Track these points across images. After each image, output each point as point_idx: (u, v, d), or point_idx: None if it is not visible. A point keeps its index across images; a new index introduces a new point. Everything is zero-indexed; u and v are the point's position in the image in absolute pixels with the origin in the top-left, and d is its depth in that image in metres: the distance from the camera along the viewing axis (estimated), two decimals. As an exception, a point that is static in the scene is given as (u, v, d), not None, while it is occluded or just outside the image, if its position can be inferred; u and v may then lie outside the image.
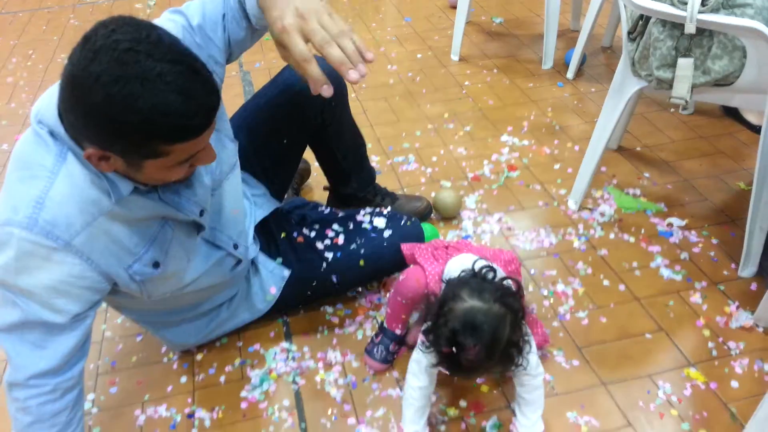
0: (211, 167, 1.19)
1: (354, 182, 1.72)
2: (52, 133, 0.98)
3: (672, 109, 2.24)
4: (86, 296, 1.04)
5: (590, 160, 1.76)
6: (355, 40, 0.95)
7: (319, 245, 1.46)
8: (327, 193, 1.82)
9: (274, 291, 1.43)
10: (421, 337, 1.15)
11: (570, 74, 2.52)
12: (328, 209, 1.59)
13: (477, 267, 1.16)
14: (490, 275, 1.14)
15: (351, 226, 1.50)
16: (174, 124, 0.88)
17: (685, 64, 1.41)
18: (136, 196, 1.04)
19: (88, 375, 1.41)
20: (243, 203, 1.39)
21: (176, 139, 0.91)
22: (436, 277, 1.26)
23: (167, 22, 1.09)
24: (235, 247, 1.30)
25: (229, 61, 1.19)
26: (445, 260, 1.29)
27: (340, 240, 1.47)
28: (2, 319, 1.01)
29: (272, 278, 1.43)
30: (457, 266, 1.24)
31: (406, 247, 1.38)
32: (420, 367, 1.18)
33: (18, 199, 0.97)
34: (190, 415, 1.31)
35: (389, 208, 1.61)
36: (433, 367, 1.16)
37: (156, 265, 1.12)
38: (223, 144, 1.24)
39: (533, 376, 1.16)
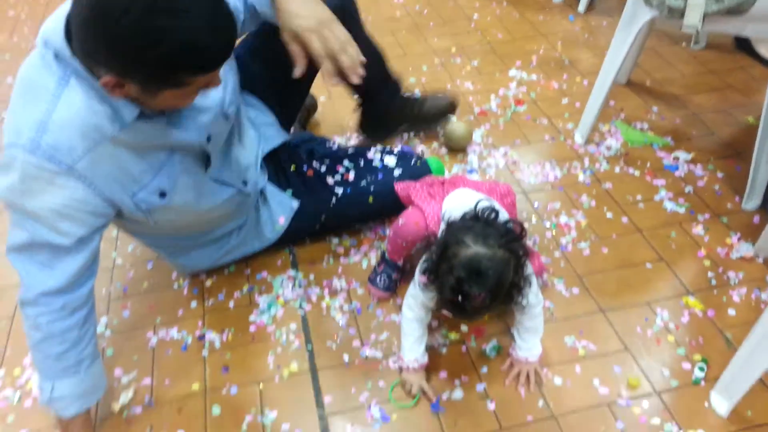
0: (223, 100, 1.19)
1: (383, 95, 1.73)
2: (56, 56, 0.98)
3: (683, 43, 2.20)
4: (90, 221, 1.06)
5: (598, 94, 1.75)
6: (355, 48, 1.21)
7: (330, 180, 1.47)
8: (326, 131, 1.83)
9: (282, 221, 1.45)
10: (419, 277, 1.16)
11: (581, 7, 2.47)
12: (336, 145, 1.60)
13: (480, 209, 1.13)
14: (493, 217, 1.12)
15: (361, 163, 1.51)
16: (201, 57, 0.91)
17: (698, -9, 1.38)
18: (142, 122, 1.05)
19: (100, 300, 1.45)
20: (250, 135, 1.39)
21: (200, 70, 0.94)
22: (435, 217, 1.25)
23: None
24: (244, 183, 1.32)
25: None
26: (442, 197, 1.29)
27: (351, 176, 1.48)
28: (12, 240, 1.04)
29: (281, 209, 1.45)
30: (455, 204, 1.24)
31: (400, 187, 1.38)
32: (416, 301, 1.20)
33: (21, 122, 0.98)
34: (201, 337, 1.36)
35: (400, 147, 1.62)
36: (430, 302, 1.19)
37: (162, 194, 1.14)
38: (225, 81, 1.22)
39: (533, 305, 1.18)
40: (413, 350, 1.21)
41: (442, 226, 1.16)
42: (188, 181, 1.18)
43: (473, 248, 1.03)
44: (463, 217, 1.13)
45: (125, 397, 1.24)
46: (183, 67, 0.91)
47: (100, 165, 1.03)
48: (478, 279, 1.01)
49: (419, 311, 1.20)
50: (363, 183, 1.47)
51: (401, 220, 1.31)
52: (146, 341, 1.36)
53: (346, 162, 1.51)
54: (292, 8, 1.18)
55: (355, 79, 1.20)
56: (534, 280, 1.16)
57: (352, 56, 1.20)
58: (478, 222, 1.09)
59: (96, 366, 1.13)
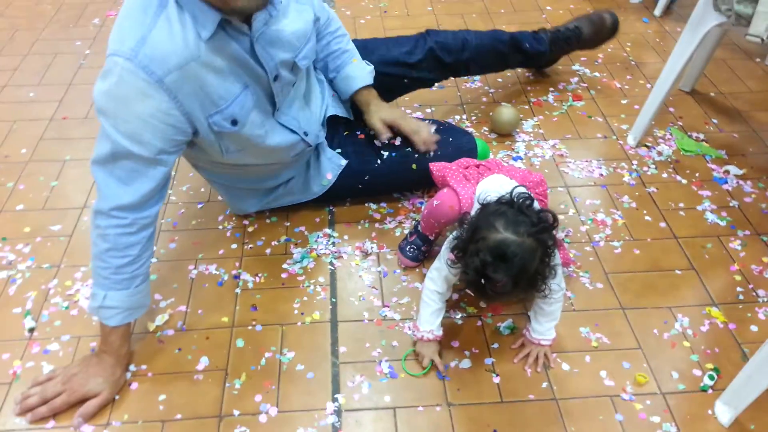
0: (299, 50, 1.31)
1: (528, 60, 1.98)
2: None
3: (758, 59, 2.14)
4: (170, 133, 1.16)
5: (656, 97, 1.73)
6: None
7: (377, 143, 1.54)
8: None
9: (330, 177, 1.53)
10: (447, 254, 1.20)
11: (658, 11, 2.42)
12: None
13: (515, 194, 1.14)
14: (527, 204, 1.12)
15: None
16: None
17: (768, 1, 1.36)
18: (225, 39, 1.15)
19: (152, 230, 1.56)
20: (316, 92, 1.49)
21: None
22: (469, 200, 1.28)
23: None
24: (305, 134, 1.41)
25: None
26: (477, 180, 1.32)
27: (397, 141, 1.54)
28: (97, 152, 1.15)
29: (330, 165, 1.53)
30: (490, 187, 1.26)
31: (435, 168, 1.39)
32: (440, 274, 1.24)
33: (126, 34, 1.09)
34: (236, 276, 1.45)
35: (450, 121, 1.68)
36: (454, 278, 1.23)
37: (234, 122, 1.24)
38: (308, 37, 1.34)
39: (554, 291, 1.20)
40: (429, 322, 1.25)
41: (476, 206, 1.19)
42: (257, 118, 1.29)
43: (502, 234, 1.06)
44: (498, 200, 1.14)
45: (161, 319, 1.35)
46: None
47: (185, 82, 1.13)
48: (502, 265, 1.05)
49: (441, 284, 1.24)
50: (408, 149, 1.53)
51: (436, 201, 1.34)
52: (187, 273, 1.46)
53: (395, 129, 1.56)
54: (379, 109, 1.54)
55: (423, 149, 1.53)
56: (560, 270, 1.19)
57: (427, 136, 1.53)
58: (512, 208, 1.11)
59: (145, 285, 1.23)
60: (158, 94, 1.11)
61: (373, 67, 1.55)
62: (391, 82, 1.62)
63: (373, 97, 1.54)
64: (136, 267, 1.19)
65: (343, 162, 1.53)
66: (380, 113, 1.53)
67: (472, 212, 1.23)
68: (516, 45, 1.89)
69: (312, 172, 1.53)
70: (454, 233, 1.20)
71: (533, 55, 1.94)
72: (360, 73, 1.52)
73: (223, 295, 1.41)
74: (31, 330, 1.33)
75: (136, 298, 1.20)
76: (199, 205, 1.64)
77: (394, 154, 1.53)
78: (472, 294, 1.22)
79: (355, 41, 1.60)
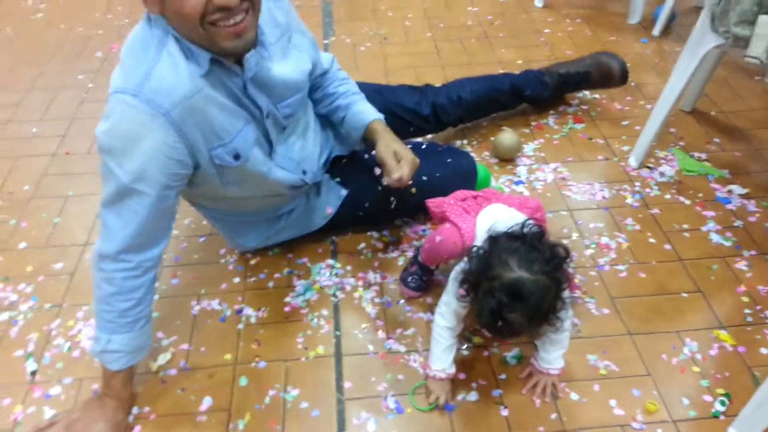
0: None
1: (526, 98, 1.97)
2: (149, 19, 1.12)
3: (757, 77, 2.14)
4: (173, 168, 1.15)
5: (657, 117, 1.73)
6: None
7: (377, 170, 1.52)
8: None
9: (329, 211, 1.52)
10: (456, 288, 1.18)
11: (656, 31, 2.43)
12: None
13: (527, 230, 1.12)
14: (538, 239, 1.11)
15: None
16: None
17: (765, 21, 1.35)
18: (220, 76, 1.16)
19: (154, 266, 1.56)
20: (314, 130, 1.48)
21: None
22: (471, 233, 1.26)
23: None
24: (303, 172, 1.41)
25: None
26: (477, 211, 1.30)
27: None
28: (104, 194, 1.15)
29: (331, 197, 1.52)
30: (492, 217, 1.25)
31: (433, 204, 1.37)
32: (449, 309, 1.22)
33: (129, 72, 1.10)
34: (239, 311, 1.44)
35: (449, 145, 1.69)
36: (463, 311, 1.21)
37: (237, 157, 1.24)
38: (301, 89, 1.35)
39: (563, 319, 1.20)
40: (442, 360, 1.23)
41: (484, 236, 1.17)
42: (260, 155, 1.29)
43: (517, 273, 1.04)
44: (509, 235, 1.12)
45: (163, 358, 1.34)
46: None
47: (190, 115, 1.13)
48: (518, 305, 1.04)
49: (451, 319, 1.22)
50: None
51: (438, 237, 1.31)
52: (189, 309, 1.45)
53: None
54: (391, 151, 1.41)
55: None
56: (569, 308, 1.17)
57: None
58: (524, 243, 1.09)
59: (147, 327, 1.22)
60: (163, 127, 1.11)
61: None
62: (400, 126, 1.59)
63: (385, 127, 1.48)
64: (140, 309, 1.18)
65: (343, 192, 1.52)
66: (393, 145, 1.44)
67: (477, 242, 1.22)
68: (517, 93, 1.92)
69: (312, 203, 1.53)
70: (462, 266, 1.19)
71: (534, 101, 1.98)
72: (371, 108, 1.50)
73: (226, 331, 1.40)
74: (33, 373, 1.32)
75: (139, 340, 1.20)
76: (201, 239, 1.64)
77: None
78: (486, 333, 1.21)
79: (366, 85, 1.60)
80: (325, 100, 1.50)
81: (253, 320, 1.42)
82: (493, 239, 1.13)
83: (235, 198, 1.38)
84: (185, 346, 1.37)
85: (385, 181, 1.36)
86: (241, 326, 1.41)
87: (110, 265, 1.14)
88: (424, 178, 1.48)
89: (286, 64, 1.28)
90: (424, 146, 1.59)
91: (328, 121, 1.54)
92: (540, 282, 1.04)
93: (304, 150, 1.43)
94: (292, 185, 1.41)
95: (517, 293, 1.03)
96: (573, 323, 1.36)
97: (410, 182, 1.37)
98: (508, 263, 1.06)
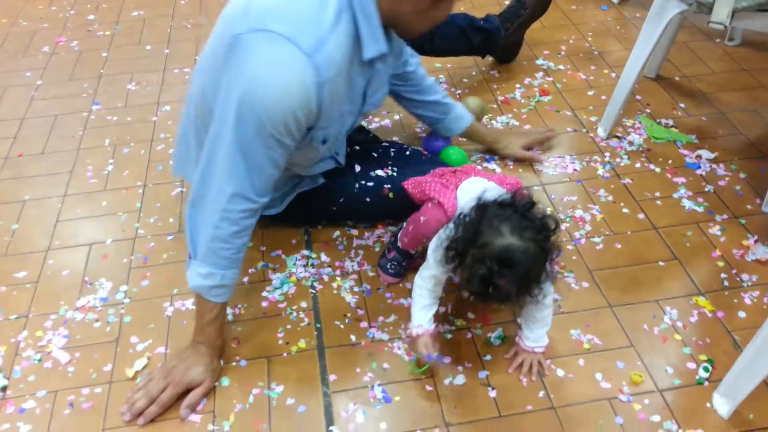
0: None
1: (487, 46, 1.99)
2: None
3: (717, 39, 2.16)
4: (303, 128, 1.16)
5: (623, 87, 1.73)
6: None
7: (357, 167, 1.49)
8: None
9: (303, 185, 1.48)
10: (436, 258, 1.17)
11: (615, -2, 2.42)
12: (372, 134, 1.66)
13: (518, 199, 1.12)
14: (529, 209, 1.11)
15: (390, 154, 1.54)
16: None
17: (728, -13, 1.35)
18: (364, 67, 1.20)
19: (121, 268, 1.50)
20: None
21: None
22: (453, 206, 1.25)
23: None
24: (336, 153, 1.44)
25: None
26: (456, 184, 1.29)
27: (378, 170, 1.50)
28: (240, 133, 1.11)
29: (306, 181, 1.48)
30: (474, 189, 1.24)
31: (410, 185, 1.36)
32: (429, 273, 1.22)
33: (304, 25, 1.07)
34: (214, 310, 1.40)
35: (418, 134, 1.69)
36: (443, 276, 1.22)
37: (324, 141, 1.26)
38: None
39: (546, 296, 1.19)
40: (419, 317, 1.23)
41: (470, 204, 1.16)
42: (337, 139, 1.33)
43: (508, 240, 1.05)
44: (500, 203, 1.12)
45: (140, 363, 1.29)
46: None
47: (330, 94, 1.13)
48: (507, 271, 1.04)
49: (430, 282, 1.23)
50: (386, 175, 1.49)
51: (423, 218, 1.29)
52: (163, 311, 1.41)
53: (374, 153, 1.53)
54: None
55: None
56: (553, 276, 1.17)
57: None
58: (515, 212, 1.09)
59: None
60: (315, 96, 1.10)
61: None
62: None
63: (486, 130, 1.73)
64: (244, 247, 1.23)
65: (321, 180, 1.48)
66: (514, 143, 1.71)
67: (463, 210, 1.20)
68: (471, 22, 1.93)
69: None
70: (443, 235, 1.18)
71: (490, 33, 1.95)
72: (464, 112, 1.66)
73: (203, 331, 1.36)
74: (4, 389, 1.26)
75: (237, 275, 1.24)
76: (169, 237, 1.59)
77: (371, 182, 1.48)
78: (467, 295, 1.20)
79: None
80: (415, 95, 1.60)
81: (230, 318, 1.38)
82: (483, 207, 1.13)
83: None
84: (161, 349, 1.32)
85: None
86: (218, 325, 1.37)
87: (237, 204, 1.16)
88: (399, 184, 1.44)
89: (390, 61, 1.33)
90: (407, 152, 1.56)
91: None
92: (531, 250, 1.05)
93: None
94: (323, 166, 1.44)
95: (509, 260, 1.03)
96: (554, 299, 1.36)
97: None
98: (500, 230, 1.06)
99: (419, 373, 1.23)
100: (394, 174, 1.48)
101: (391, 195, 1.47)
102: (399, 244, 1.40)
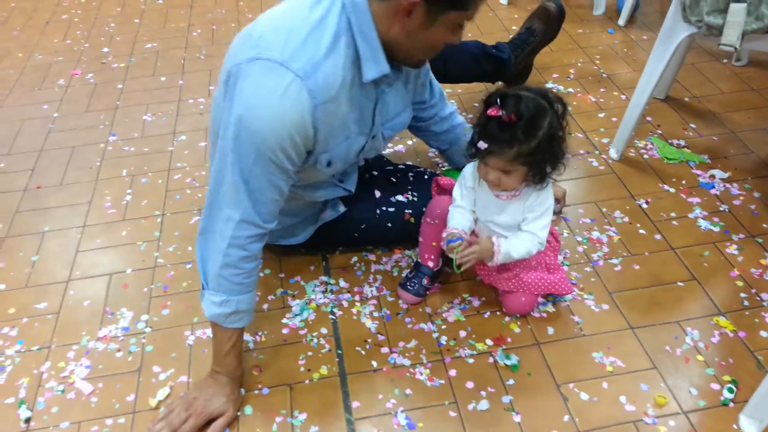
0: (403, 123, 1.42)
1: (500, 72, 2.01)
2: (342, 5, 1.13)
3: (725, 60, 2.18)
4: (300, 154, 1.17)
5: (634, 108, 1.74)
6: None
7: (377, 193, 1.50)
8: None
9: (324, 216, 1.48)
10: (462, 183, 1.34)
11: (621, 21, 2.46)
12: (386, 159, 1.66)
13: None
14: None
15: (410, 179, 1.54)
16: None
17: (737, 10, 1.37)
18: (371, 86, 1.21)
19: (142, 297, 1.51)
20: None
21: None
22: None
23: None
24: (341, 181, 1.43)
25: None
26: None
27: (398, 195, 1.50)
28: (242, 161, 1.12)
29: (328, 211, 1.48)
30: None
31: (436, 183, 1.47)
32: (459, 189, 1.35)
33: (298, 48, 1.09)
34: (235, 338, 1.40)
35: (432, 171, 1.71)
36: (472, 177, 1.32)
37: (329, 164, 1.26)
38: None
39: (531, 231, 1.28)
40: (453, 221, 1.32)
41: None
42: (343, 164, 1.32)
43: (520, 90, 1.18)
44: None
45: (162, 393, 1.29)
46: None
47: (327, 116, 1.14)
48: (516, 99, 1.15)
49: (460, 200, 1.34)
50: (407, 200, 1.49)
51: (431, 203, 1.41)
52: (184, 339, 1.41)
53: (393, 178, 1.54)
54: None
55: None
56: (549, 215, 1.30)
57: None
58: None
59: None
60: (310, 119, 1.12)
61: None
62: None
63: None
64: (257, 270, 1.24)
65: (342, 208, 1.47)
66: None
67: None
68: (483, 49, 1.96)
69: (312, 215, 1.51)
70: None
71: (501, 61, 1.98)
72: None
73: (225, 359, 1.36)
74: (27, 420, 1.26)
75: (254, 296, 1.25)
76: (188, 265, 1.60)
77: (392, 208, 1.49)
78: (483, 144, 1.20)
79: None
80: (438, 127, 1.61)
81: (251, 345, 1.38)
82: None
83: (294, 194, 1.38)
84: (184, 378, 1.33)
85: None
86: (239, 353, 1.37)
87: (243, 231, 1.16)
88: (425, 208, 1.45)
89: (406, 87, 1.35)
90: (426, 176, 1.55)
91: None
92: (538, 100, 1.17)
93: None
94: (329, 194, 1.43)
95: (516, 94, 1.17)
96: (574, 321, 1.36)
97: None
98: (514, 88, 1.20)
99: (459, 274, 1.30)
100: (415, 199, 1.49)
101: (412, 220, 1.48)
102: (419, 259, 1.42)
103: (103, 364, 1.36)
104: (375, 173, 1.55)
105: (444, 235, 1.31)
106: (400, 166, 1.60)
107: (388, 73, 1.18)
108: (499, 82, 2.08)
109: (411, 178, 1.53)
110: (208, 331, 1.42)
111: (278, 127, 1.10)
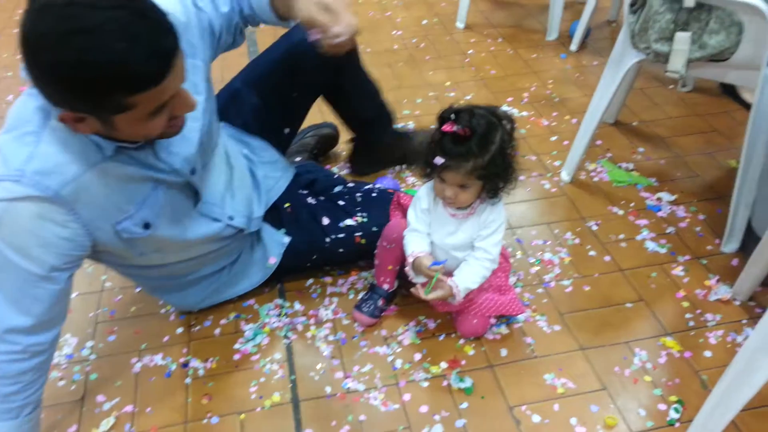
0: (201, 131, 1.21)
1: (377, 128, 1.80)
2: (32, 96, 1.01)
3: (671, 86, 2.25)
4: (64, 248, 1.05)
5: (585, 132, 1.78)
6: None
7: (325, 220, 1.47)
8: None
9: (273, 261, 1.46)
10: (415, 206, 1.34)
11: (573, 46, 2.52)
12: (337, 175, 1.65)
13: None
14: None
15: (358, 199, 1.53)
16: (126, 73, 0.88)
17: (682, 38, 1.42)
18: (125, 155, 1.07)
19: (88, 323, 1.47)
20: (240, 168, 1.41)
21: (134, 89, 0.90)
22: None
23: None
24: (230, 218, 1.33)
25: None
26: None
27: (347, 219, 1.48)
28: None
29: (274, 248, 1.46)
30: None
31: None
32: (414, 210, 1.34)
33: (10, 154, 1.00)
34: (185, 365, 1.37)
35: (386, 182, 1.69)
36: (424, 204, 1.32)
37: (147, 226, 1.15)
38: (216, 120, 1.28)
39: (484, 248, 1.30)
40: (411, 246, 1.32)
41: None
42: (174, 215, 1.20)
43: (471, 107, 1.21)
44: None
45: (107, 423, 1.25)
46: (114, 87, 0.89)
47: (85, 192, 1.04)
48: (470, 114, 1.18)
49: (415, 223, 1.33)
50: (356, 223, 1.48)
51: (388, 226, 1.41)
52: (130, 367, 1.37)
53: (341, 202, 1.52)
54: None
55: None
56: (500, 232, 1.32)
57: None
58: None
59: (36, 414, 1.13)
60: (53, 207, 1.01)
61: None
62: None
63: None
64: (27, 394, 1.09)
65: (286, 240, 1.46)
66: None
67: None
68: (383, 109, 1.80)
69: (256, 257, 1.46)
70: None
71: (368, 124, 1.79)
72: None
73: (173, 387, 1.33)
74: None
75: (24, 428, 1.11)
76: (137, 290, 1.56)
77: (342, 234, 1.47)
78: (435, 161, 1.19)
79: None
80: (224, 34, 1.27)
81: (201, 372, 1.35)
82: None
83: (157, 265, 1.29)
84: (129, 407, 1.29)
85: (315, 36, 1.13)
86: (188, 380, 1.34)
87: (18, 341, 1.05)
88: (375, 228, 1.46)
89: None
90: (374, 194, 1.54)
91: (252, 160, 1.49)
92: (490, 117, 1.20)
93: (232, 195, 1.34)
94: (219, 237, 1.32)
95: (469, 109, 1.19)
96: (527, 342, 1.37)
97: (352, 42, 1.15)
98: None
99: (428, 296, 1.27)
100: (365, 220, 1.48)
101: (363, 241, 1.47)
102: (374, 281, 1.42)
103: (44, 394, 1.31)
104: (321, 198, 1.53)
105: (410, 259, 1.31)
106: (348, 186, 1.57)
107: (115, 145, 1.05)
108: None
109: (359, 199, 1.52)
110: (157, 358, 1.38)
111: (23, 227, 1.01)
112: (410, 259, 1.31)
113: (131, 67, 0.88)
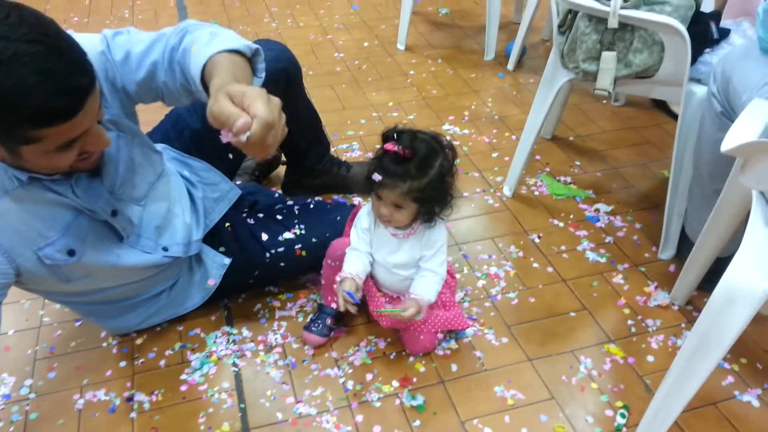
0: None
1: (312, 155, 1.81)
2: None
3: (604, 101, 2.34)
4: None
5: (523, 148, 1.84)
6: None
7: (264, 236, 1.47)
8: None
9: (212, 282, 1.44)
10: (356, 228, 1.36)
11: (510, 65, 2.60)
12: (278, 194, 1.64)
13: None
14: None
15: (296, 212, 1.52)
16: (34, 107, 0.87)
17: (608, 57, 1.49)
18: (40, 185, 1.05)
19: (26, 361, 1.41)
20: (181, 204, 1.38)
21: (41, 123, 0.89)
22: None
23: (93, 38, 1.10)
24: (165, 249, 1.31)
25: (148, 100, 1.19)
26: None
27: (285, 233, 1.48)
28: None
29: (214, 269, 1.44)
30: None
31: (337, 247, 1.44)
32: (356, 230, 1.36)
33: None
34: (129, 399, 1.33)
35: (336, 201, 1.68)
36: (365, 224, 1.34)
37: (71, 253, 1.12)
38: (147, 155, 1.26)
39: (431, 269, 1.33)
40: (348, 266, 1.33)
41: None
42: (101, 243, 1.17)
43: (415, 130, 1.24)
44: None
45: (48, 464, 1.20)
46: (20, 119, 0.88)
47: (1, 218, 1.02)
48: (412, 136, 1.21)
49: (356, 242, 1.35)
50: (295, 236, 1.48)
51: (332, 245, 1.42)
52: (72, 404, 1.32)
53: (279, 216, 1.51)
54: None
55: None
56: (443, 250, 1.34)
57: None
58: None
59: None
60: None
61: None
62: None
63: (229, 64, 0.99)
64: None
65: (227, 261, 1.44)
66: (229, 87, 0.89)
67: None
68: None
69: (195, 277, 1.44)
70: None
71: (304, 149, 1.80)
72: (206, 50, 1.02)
73: (117, 422, 1.28)
74: None
75: None
76: (77, 323, 1.50)
77: (282, 248, 1.46)
78: (377, 176, 1.20)
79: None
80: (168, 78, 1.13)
81: (146, 406, 1.31)
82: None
83: (88, 291, 1.26)
84: (72, 447, 1.24)
85: (226, 138, 0.85)
86: (133, 415, 1.30)
87: None
88: (314, 239, 1.47)
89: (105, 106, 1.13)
90: (312, 205, 1.55)
91: (193, 183, 1.47)
92: (432, 142, 1.23)
93: (166, 229, 1.32)
94: (155, 265, 1.30)
95: (413, 133, 1.22)
96: (477, 356, 1.39)
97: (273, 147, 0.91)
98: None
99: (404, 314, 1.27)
100: (303, 232, 1.48)
101: (303, 253, 1.47)
102: (322, 300, 1.42)
103: (-21, 438, 1.25)
104: (260, 215, 1.52)
105: (338, 278, 1.32)
106: (287, 203, 1.57)
107: (28, 175, 1.03)
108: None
109: (297, 212, 1.52)
110: (100, 393, 1.34)
111: None
112: (337, 278, 1.32)
113: (39, 102, 0.87)
